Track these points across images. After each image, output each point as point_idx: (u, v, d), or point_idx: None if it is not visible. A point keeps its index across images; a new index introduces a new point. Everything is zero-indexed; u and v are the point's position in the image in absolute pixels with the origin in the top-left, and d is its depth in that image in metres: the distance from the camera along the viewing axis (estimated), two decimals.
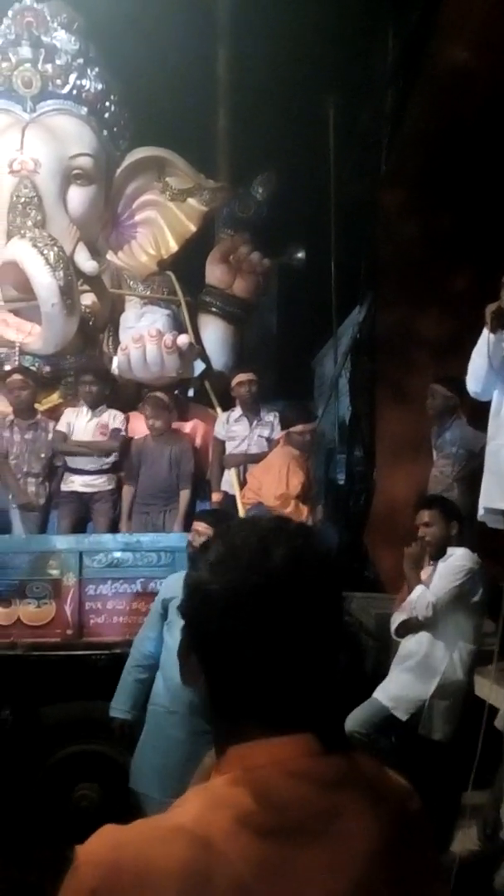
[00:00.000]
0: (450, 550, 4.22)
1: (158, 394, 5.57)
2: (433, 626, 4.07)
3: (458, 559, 4.15)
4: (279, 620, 0.93)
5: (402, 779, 1.03)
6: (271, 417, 5.66)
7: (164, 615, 3.92)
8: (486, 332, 3.89)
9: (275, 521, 1.02)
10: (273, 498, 5.08)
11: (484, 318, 3.84)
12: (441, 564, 4.19)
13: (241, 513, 5.27)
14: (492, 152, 5.74)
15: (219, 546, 1.00)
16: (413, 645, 4.07)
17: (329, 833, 0.90)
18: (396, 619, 4.19)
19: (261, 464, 5.42)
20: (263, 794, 0.90)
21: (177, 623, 3.87)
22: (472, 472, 5.07)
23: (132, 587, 4.69)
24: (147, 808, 3.65)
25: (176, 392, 5.79)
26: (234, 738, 0.94)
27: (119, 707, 3.91)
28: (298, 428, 5.40)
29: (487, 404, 4.09)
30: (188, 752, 3.60)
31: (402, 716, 4.00)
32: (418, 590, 4.08)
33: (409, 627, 4.08)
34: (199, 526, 4.01)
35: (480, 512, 4.10)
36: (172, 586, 3.96)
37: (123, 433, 5.60)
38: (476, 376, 3.99)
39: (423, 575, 4.22)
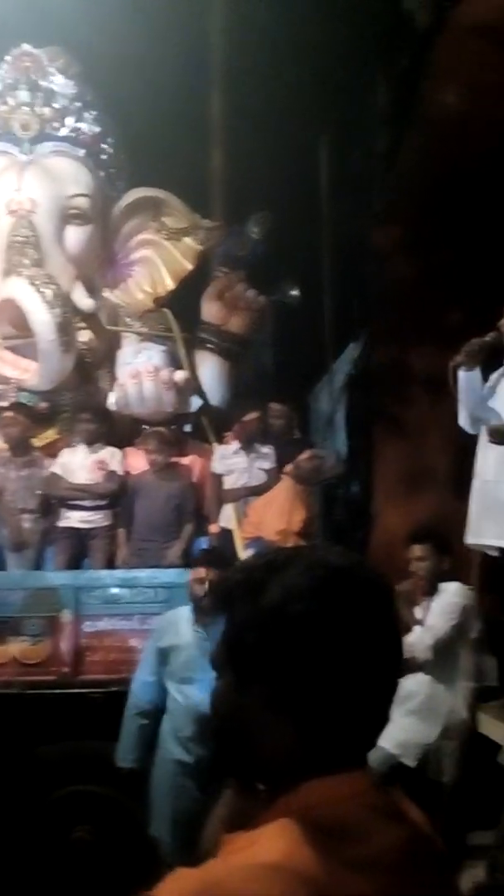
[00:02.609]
0: (441, 586, 4.20)
1: (161, 429, 5.58)
2: (433, 667, 4.03)
3: (451, 596, 4.12)
4: (369, 651, 0.92)
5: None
6: (267, 450, 5.67)
7: (164, 663, 3.89)
8: (461, 373, 4.04)
9: (318, 547, 0.99)
10: (274, 533, 5.04)
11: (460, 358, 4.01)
12: (434, 602, 4.16)
13: (240, 548, 5.25)
14: (483, 191, 5.84)
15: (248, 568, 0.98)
16: (413, 685, 4.01)
17: (405, 866, 0.90)
18: None
19: (262, 497, 5.39)
20: (350, 828, 0.89)
21: (181, 672, 3.83)
22: None
23: (129, 623, 4.66)
24: (166, 854, 3.61)
25: (173, 427, 5.79)
26: (303, 773, 0.92)
27: (126, 756, 3.89)
28: (306, 454, 5.37)
29: None
30: (201, 801, 3.59)
31: (411, 762, 3.92)
32: (416, 630, 4.05)
33: (407, 668, 4.03)
34: (199, 572, 3.98)
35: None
36: (167, 632, 3.94)
37: (120, 474, 5.59)
38: (462, 415, 4.12)
39: (418, 613, 4.20)
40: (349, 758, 0.93)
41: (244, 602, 0.95)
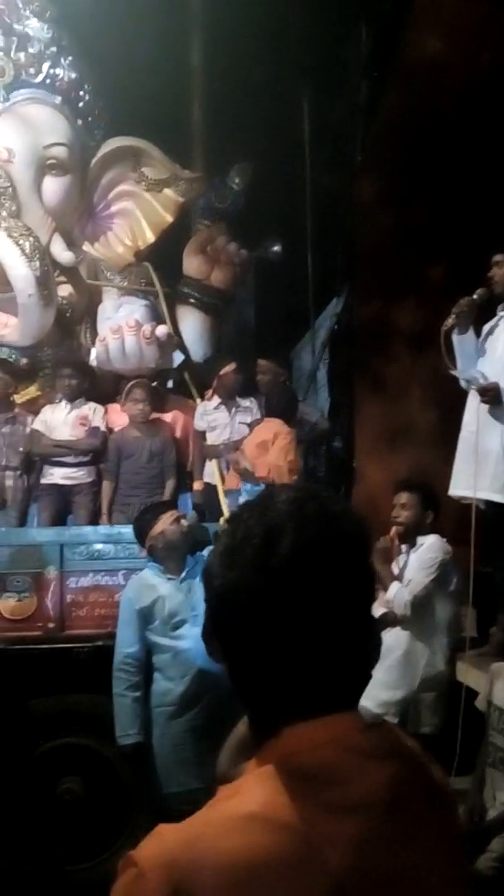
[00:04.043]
0: (419, 539, 4.22)
1: (145, 380, 5.55)
2: (412, 622, 4.08)
3: (429, 550, 4.14)
4: (305, 612, 0.90)
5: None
6: (248, 403, 5.64)
7: (148, 621, 3.92)
8: (454, 336, 4.03)
9: (287, 504, 0.95)
10: (267, 469, 4.91)
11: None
12: (413, 556, 4.19)
13: (223, 503, 5.26)
14: (467, 141, 5.78)
15: (225, 536, 0.96)
16: (391, 640, 4.04)
17: (393, 805, 0.90)
18: (374, 613, 4.18)
19: (251, 440, 5.25)
20: (330, 772, 0.89)
21: (164, 619, 3.88)
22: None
23: (114, 579, 4.66)
24: (185, 804, 3.66)
25: (155, 383, 5.76)
26: (284, 718, 0.92)
27: (127, 732, 3.91)
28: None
29: None
30: (212, 738, 3.63)
31: (394, 718, 3.97)
32: (394, 587, 4.07)
33: (386, 622, 4.02)
34: (173, 514, 4.05)
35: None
36: (142, 592, 3.99)
37: (103, 430, 5.57)
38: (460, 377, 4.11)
39: (395, 567, 4.23)
40: (333, 701, 0.93)
41: (217, 575, 0.95)
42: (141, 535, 4.07)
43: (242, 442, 5.27)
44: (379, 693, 3.93)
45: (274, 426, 5.21)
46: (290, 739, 0.91)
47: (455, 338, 4.09)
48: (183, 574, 3.94)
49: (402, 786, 0.92)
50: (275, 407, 5.41)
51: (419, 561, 4.13)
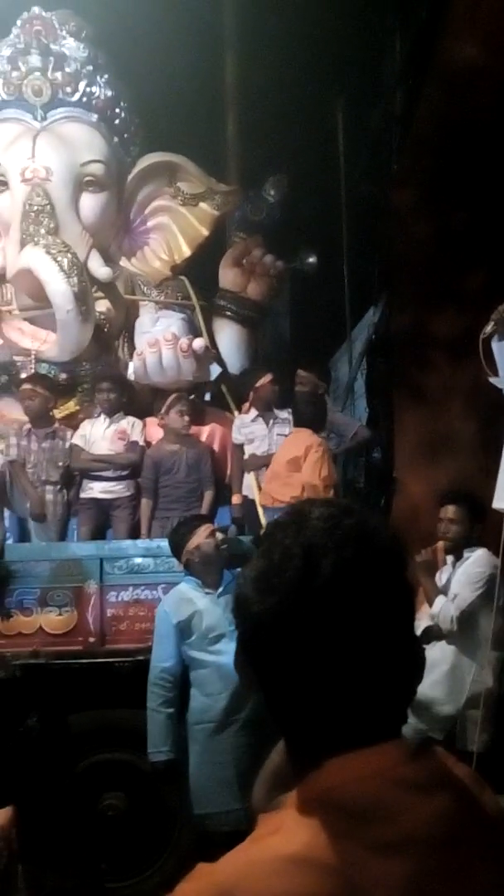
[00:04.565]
0: (466, 553, 4.15)
1: (185, 393, 5.57)
2: (458, 637, 4.01)
3: (477, 565, 4.06)
4: (348, 635, 0.87)
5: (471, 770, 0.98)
6: (286, 414, 5.61)
7: (185, 636, 3.90)
8: (494, 343, 3.96)
9: (323, 521, 0.91)
10: (301, 489, 4.86)
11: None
12: (459, 570, 4.12)
13: (262, 515, 5.23)
14: (502, 149, 5.71)
15: (260, 559, 0.91)
16: (437, 654, 3.98)
17: (444, 841, 0.86)
18: (418, 627, 4.11)
19: (281, 455, 5.20)
20: (375, 808, 0.85)
21: (202, 633, 3.86)
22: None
23: (154, 593, 4.65)
24: (224, 825, 3.63)
25: (192, 396, 5.76)
26: (326, 749, 0.88)
27: (158, 749, 3.86)
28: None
29: None
30: (255, 756, 3.60)
31: (439, 735, 3.89)
32: (439, 601, 4.01)
33: (430, 635, 3.97)
34: (207, 528, 4.02)
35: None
36: (180, 606, 3.95)
37: (142, 444, 5.58)
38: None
39: (440, 579, 4.16)
40: (375, 732, 0.89)
41: (254, 601, 0.91)
42: (177, 549, 4.05)
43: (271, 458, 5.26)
44: (425, 710, 3.86)
45: (304, 438, 5.13)
46: (333, 772, 0.87)
47: (495, 345, 4.02)
48: (221, 588, 3.90)
49: (453, 819, 0.87)
50: (303, 416, 5.34)
51: (466, 575, 4.06)
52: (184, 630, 3.90)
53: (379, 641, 0.88)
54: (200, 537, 3.96)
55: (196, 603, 3.92)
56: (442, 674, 3.97)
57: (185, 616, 3.91)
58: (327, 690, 0.87)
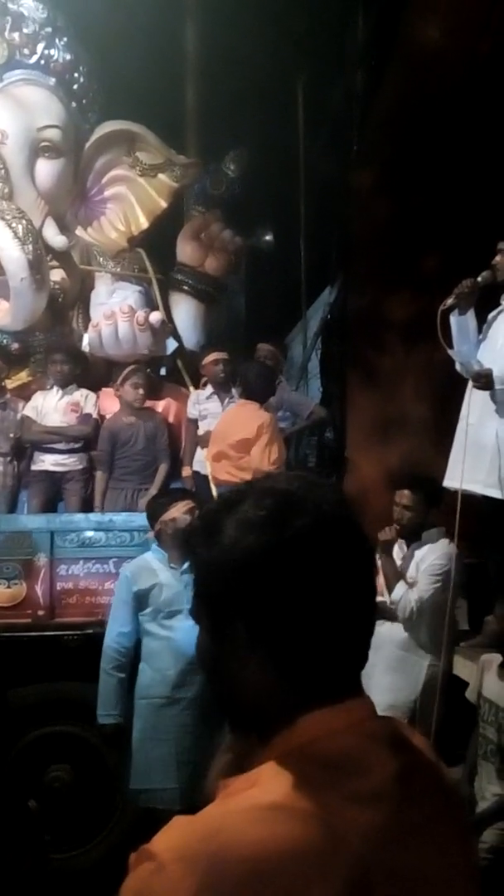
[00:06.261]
0: (426, 536, 4.20)
1: (142, 365, 5.51)
2: (415, 624, 4.07)
3: (440, 557, 4.10)
4: (326, 584, 0.90)
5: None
6: None
7: (142, 605, 3.88)
8: (452, 317, 3.99)
9: (298, 479, 0.96)
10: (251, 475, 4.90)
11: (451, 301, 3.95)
12: (418, 554, 4.16)
13: (214, 492, 5.22)
14: (464, 130, 5.75)
15: (249, 507, 0.92)
16: (392, 638, 4.05)
17: (408, 794, 0.88)
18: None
19: (229, 432, 4.95)
20: (350, 760, 0.87)
21: (158, 606, 3.84)
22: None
23: (105, 567, 4.63)
24: (157, 802, 3.63)
25: (148, 370, 5.71)
26: (299, 707, 0.90)
27: (108, 712, 3.83)
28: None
29: None
30: (197, 737, 3.62)
31: (403, 720, 3.95)
32: (400, 588, 4.05)
33: (381, 612, 4.02)
34: (182, 506, 3.96)
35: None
36: (141, 575, 3.93)
37: (95, 417, 5.52)
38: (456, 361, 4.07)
39: (397, 559, 4.21)
40: (342, 687, 0.91)
41: (204, 547, 0.94)
42: (152, 516, 4.00)
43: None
44: (384, 696, 3.86)
45: (253, 415, 4.87)
46: (307, 728, 0.89)
47: (453, 318, 4.05)
48: (184, 566, 3.87)
49: (416, 777, 0.91)
50: (251, 387, 5.04)
51: (429, 567, 4.10)
52: (141, 599, 3.88)
53: (348, 594, 0.91)
54: (178, 510, 3.92)
55: (158, 575, 3.89)
56: (397, 660, 4.02)
57: (146, 586, 3.88)
58: (306, 640, 0.89)
